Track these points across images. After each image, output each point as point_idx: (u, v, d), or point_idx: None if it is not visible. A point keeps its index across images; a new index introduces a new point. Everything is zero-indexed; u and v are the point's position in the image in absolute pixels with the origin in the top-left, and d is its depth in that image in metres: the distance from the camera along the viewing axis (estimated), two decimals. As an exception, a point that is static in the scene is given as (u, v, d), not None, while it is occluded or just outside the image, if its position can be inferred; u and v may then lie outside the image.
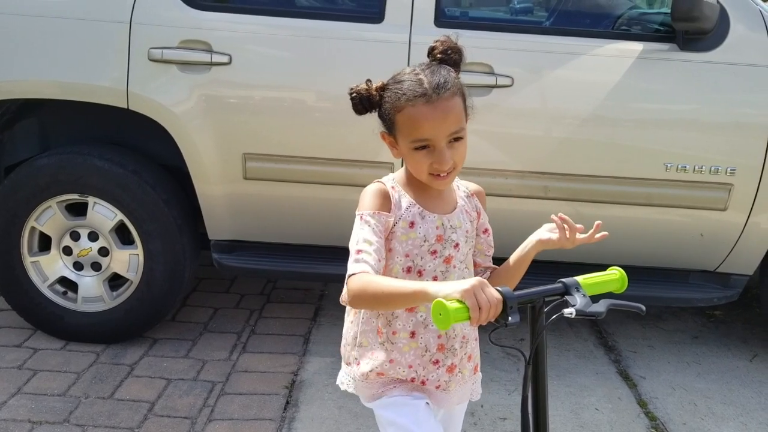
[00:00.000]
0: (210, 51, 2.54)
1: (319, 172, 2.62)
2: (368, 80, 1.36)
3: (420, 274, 1.37)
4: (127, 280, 2.82)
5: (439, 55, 1.35)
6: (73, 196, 2.72)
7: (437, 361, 1.42)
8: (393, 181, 1.41)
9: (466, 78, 2.46)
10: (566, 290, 1.14)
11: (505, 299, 1.07)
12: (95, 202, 2.72)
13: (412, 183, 1.40)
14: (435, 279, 1.38)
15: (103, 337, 2.85)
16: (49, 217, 2.76)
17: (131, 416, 2.39)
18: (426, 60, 1.39)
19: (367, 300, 1.26)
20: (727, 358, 2.94)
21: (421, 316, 1.39)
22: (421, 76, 1.30)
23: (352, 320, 1.49)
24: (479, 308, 1.05)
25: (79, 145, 2.77)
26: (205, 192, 2.71)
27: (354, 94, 1.35)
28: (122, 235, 2.79)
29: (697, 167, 2.51)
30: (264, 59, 2.60)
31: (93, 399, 2.48)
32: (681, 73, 2.51)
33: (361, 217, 1.35)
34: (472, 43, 2.49)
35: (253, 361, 2.77)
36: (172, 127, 2.60)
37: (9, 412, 2.38)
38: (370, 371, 1.43)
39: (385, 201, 1.36)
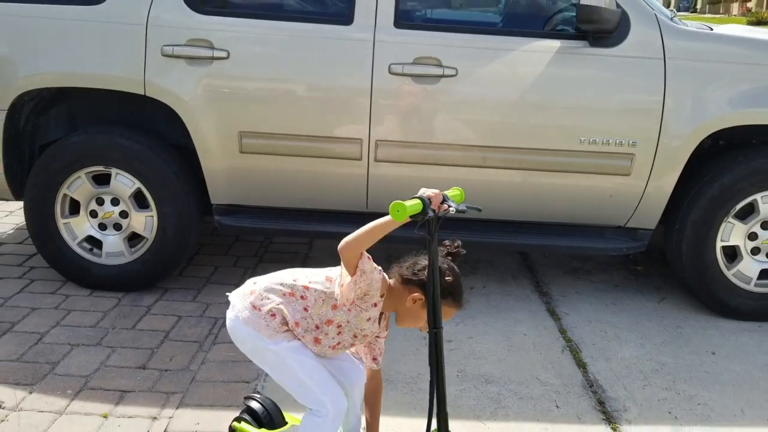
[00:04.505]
0: (212, 48, 3.13)
1: (300, 147, 3.21)
2: (449, 268, 1.90)
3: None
4: (144, 237, 3.40)
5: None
6: (99, 168, 3.30)
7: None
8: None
9: (419, 69, 3.08)
10: (444, 200, 1.76)
11: (425, 204, 1.69)
12: (117, 173, 3.30)
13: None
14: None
15: (124, 285, 3.43)
16: (78, 186, 3.34)
17: (151, 341, 2.98)
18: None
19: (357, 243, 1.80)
20: (640, 301, 3.56)
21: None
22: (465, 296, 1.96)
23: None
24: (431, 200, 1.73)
25: (104, 126, 3.36)
26: (208, 165, 3.29)
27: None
28: (139, 200, 3.37)
29: (605, 140, 3.12)
30: (256, 54, 3.19)
31: (119, 329, 3.07)
32: (591, 65, 3.11)
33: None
34: (425, 41, 3.14)
35: (248, 304, 3.36)
36: (182, 110, 3.18)
37: (52, 338, 2.97)
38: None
39: None
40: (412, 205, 1.69)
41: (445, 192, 1.82)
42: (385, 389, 2.56)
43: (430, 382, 1.80)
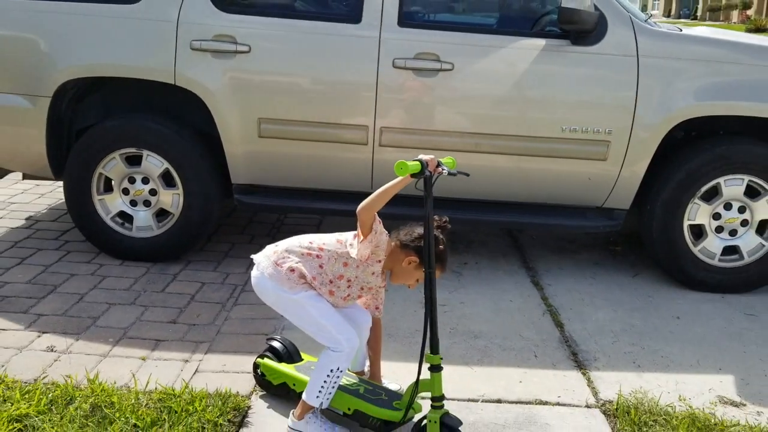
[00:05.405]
0: (235, 42, 3.52)
1: (312, 132, 3.59)
2: (441, 239, 2.28)
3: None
4: (171, 213, 3.78)
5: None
6: (132, 150, 3.69)
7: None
8: None
9: (420, 63, 3.46)
10: (439, 164, 2.13)
11: (422, 165, 2.07)
12: (148, 155, 3.69)
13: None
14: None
15: (152, 256, 3.82)
16: (113, 166, 3.73)
17: (179, 301, 3.36)
18: None
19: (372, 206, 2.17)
20: (616, 275, 3.94)
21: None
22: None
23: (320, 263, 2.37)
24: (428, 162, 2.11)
25: (137, 112, 3.75)
26: (230, 149, 3.67)
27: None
28: (167, 179, 3.75)
29: (584, 129, 3.50)
30: (274, 49, 3.57)
31: (150, 292, 3.45)
32: (572, 61, 3.49)
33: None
34: (425, 38, 3.53)
35: (264, 273, 3.74)
36: (207, 98, 3.56)
37: (91, 297, 3.35)
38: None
39: None
40: (413, 164, 2.08)
41: (440, 159, 2.21)
42: (387, 341, 2.96)
43: (425, 313, 2.18)
